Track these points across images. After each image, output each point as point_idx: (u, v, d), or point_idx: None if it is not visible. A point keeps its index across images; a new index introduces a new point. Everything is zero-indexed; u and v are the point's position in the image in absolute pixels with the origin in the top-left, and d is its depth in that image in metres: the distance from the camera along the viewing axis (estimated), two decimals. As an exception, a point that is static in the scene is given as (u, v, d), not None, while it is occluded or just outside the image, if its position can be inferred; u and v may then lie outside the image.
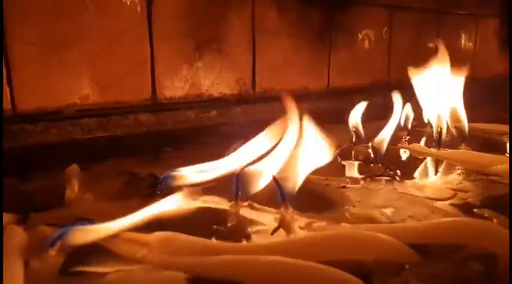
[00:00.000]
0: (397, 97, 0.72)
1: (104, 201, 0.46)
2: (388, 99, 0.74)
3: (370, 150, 0.63)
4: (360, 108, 0.71)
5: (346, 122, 0.71)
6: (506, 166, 0.56)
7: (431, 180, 0.57)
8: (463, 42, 1.23)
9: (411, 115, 0.80)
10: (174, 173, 0.48)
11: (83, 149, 0.59)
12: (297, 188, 0.44)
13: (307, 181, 0.44)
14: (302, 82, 0.88)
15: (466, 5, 1.17)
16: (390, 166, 0.60)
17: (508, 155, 0.67)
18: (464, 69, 0.71)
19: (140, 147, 0.62)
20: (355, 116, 0.71)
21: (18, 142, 0.55)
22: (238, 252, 0.35)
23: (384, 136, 0.63)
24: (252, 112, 0.77)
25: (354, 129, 0.70)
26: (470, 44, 1.23)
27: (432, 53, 0.73)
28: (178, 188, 0.47)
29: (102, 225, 0.36)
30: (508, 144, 0.74)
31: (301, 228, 0.40)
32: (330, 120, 0.81)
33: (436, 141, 0.69)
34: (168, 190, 0.47)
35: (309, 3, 0.85)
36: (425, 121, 0.78)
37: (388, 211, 0.45)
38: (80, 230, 0.35)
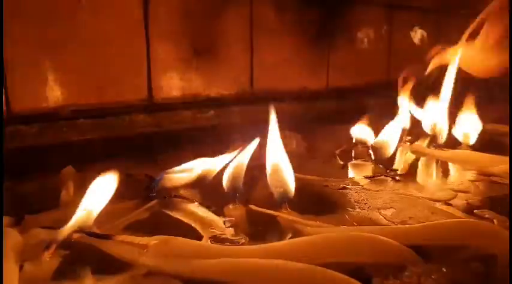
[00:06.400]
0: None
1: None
2: (388, 99, 0.74)
3: (370, 151, 0.63)
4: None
5: (345, 122, 0.71)
6: (507, 166, 0.56)
7: (432, 181, 0.57)
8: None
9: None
10: (167, 174, 0.48)
11: (79, 150, 0.58)
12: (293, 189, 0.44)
13: (306, 182, 0.44)
14: (301, 82, 0.87)
15: (467, 3, 1.16)
16: (390, 166, 0.60)
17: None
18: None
19: (136, 148, 0.62)
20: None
21: (12, 144, 0.54)
22: (235, 255, 0.35)
23: (390, 139, 0.62)
24: (250, 112, 0.76)
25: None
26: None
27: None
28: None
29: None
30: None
31: (300, 230, 0.40)
32: (330, 120, 0.81)
33: (437, 142, 0.69)
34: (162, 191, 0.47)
35: (308, 2, 0.84)
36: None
37: (388, 212, 0.45)
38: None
